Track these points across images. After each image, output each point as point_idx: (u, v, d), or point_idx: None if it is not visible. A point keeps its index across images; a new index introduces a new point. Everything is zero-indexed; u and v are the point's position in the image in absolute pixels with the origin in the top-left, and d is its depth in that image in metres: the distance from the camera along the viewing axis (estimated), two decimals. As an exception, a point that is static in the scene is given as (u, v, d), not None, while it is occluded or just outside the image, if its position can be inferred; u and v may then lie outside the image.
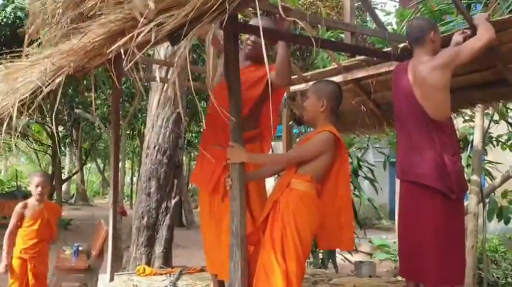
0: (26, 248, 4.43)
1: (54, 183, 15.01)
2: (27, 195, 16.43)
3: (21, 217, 4.41)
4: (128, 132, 13.71)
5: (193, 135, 18.71)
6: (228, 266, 2.51)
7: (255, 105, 3.01)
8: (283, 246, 2.50)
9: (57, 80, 1.87)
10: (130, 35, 1.60)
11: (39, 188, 4.36)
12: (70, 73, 1.84)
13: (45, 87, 1.87)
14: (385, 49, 3.59)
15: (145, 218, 5.26)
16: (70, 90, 10.47)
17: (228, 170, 2.68)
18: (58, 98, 2.14)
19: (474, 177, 4.80)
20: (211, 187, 2.93)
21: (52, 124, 9.80)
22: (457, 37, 3.12)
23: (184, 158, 14.68)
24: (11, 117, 2.16)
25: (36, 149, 19.36)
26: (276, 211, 2.59)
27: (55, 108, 2.19)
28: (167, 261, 5.28)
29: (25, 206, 4.43)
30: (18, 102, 2.00)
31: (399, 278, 4.80)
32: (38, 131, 18.45)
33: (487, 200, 5.25)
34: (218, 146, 2.89)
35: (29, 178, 4.65)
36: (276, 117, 2.96)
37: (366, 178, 6.86)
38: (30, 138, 17.92)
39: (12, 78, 2.24)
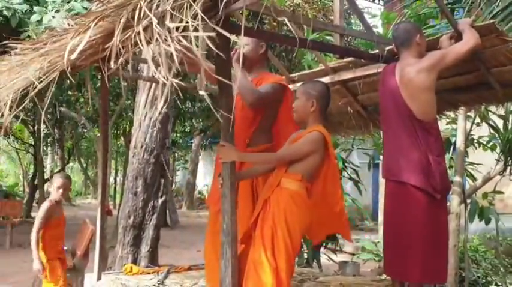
0: (59, 249, 4.59)
1: (36, 182, 14.83)
2: (7, 194, 16.25)
3: (48, 219, 4.43)
4: (113, 131, 13.60)
5: (178, 135, 18.66)
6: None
7: (264, 119, 3.05)
8: (273, 244, 2.53)
9: (52, 77, 1.88)
10: (129, 33, 1.63)
11: (61, 190, 4.40)
12: (67, 71, 1.84)
13: (40, 84, 1.87)
14: (373, 51, 3.65)
15: (132, 218, 5.25)
16: (53, 89, 10.35)
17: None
18: (49, 95, 2.14)
19: (457, 178, 4.90)
20: (217, 208, 2.96)
21: (36, 123, 9.70)
22: (445, 40, 3.21)
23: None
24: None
25: (17, 148, 19.06)
26: (267, 210, 2.63)
27: (45, 106, 2.18)
28: (153, 260, 5.28)
29: (51, 208, 4.44)
30: (12, 100, 2.01)
31: (383, 276, 4.88)
32: (20, 130, 18.20)
33: (469, 201, 5.36)
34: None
35: (53, 179, 4.65)
36: (291, 125, 3.00)
37: (350, 178, 6.94)
38: (11, 136, 17.65)
39: (6, 76, 2.24)
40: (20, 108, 2.13)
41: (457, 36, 3.13)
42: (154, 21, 1.70)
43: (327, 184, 2.78)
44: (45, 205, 4.44)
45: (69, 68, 1.94)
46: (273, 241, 2.53)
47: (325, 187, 2.78)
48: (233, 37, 2.79)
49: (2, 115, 2.14)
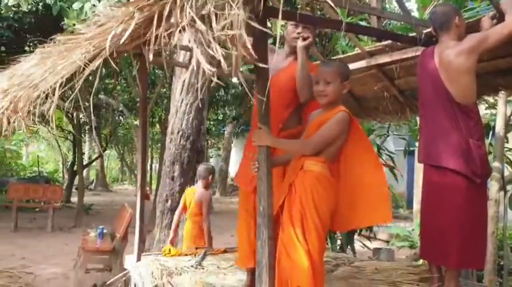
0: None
1: (75, 169, 15.29)
2: (48, 180, 16.83)
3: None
4: (149, 119, 13.86)
5: (211, 123, 18.83)
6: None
7: (299, 105, 3.05)
8: (303, 227, 2.55)
9: (98, 62, 1.95)
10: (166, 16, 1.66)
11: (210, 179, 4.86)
12: (110, 55, 1.90)
13: (88, 68, 1.94)
14: (411, 34, 3.60)
15: (169, 202, 5.37)
16: (90, 77, 10.61)
17: None
18: (96, 82, 2.22)
19: (496, 164, 4.79)
20: (251, 189, 3.00)
21: (74, 110, 9.97)
22: (486, 21, 3.12)
23: (203, 145, 14.78)
24: (43, 102, 2.24)
25: (57, 135, 19.65)
26: (293, 194, 2.64)
27: (75, 96, 2.23)
28: (190, 244, 5.38)
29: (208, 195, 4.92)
30: (59, 85, 2.08)
31: (419, 262, 4.85)
32: (59, 117, 18.73)
33: (508, 188, 5.24)
34: (253, 153, 2.96)
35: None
36: (316, 106, 2.97)
37: (386, 165, 6.87)
38: (51, 124, 18.18)
39: (51, 60, 2.33)
40: (72, 96, 2.19)
41: (499, 17, 3.04)
42: (199, 23, 1.73)
43: (354, 164, 2.72)
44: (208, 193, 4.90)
45: (114, 53, 2.01)
46: (303, 223, 2.54)
47: (352, 167, 2.74)
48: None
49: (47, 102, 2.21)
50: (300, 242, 2.53)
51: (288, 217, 2.62)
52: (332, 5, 2.14)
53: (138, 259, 4.01)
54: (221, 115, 18.48)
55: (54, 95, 2.14)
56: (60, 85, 2.04)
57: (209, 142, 23.47)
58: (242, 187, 3.20)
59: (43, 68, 2.37)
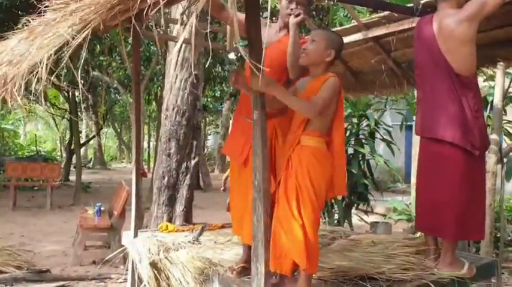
0: None
1: (73, 147, 15.27)
2: (46, 159, 16.82)
3: None
4: (144, 96, 13.77)
5: (209, 100, 18.74)
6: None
7: (287, 80, 2.99)
8: (298, 202, 2.53)
9: (84, 35, 1.89)
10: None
11: None
12: (97, 29, 1.85)
13: (74, 42, 1.89)
14: (408, 5, 3.53)
15: (166, 178, 5.35)
16: (86, 54, 10.51)
17: None
18: (83, 55, 2.16)
19: (493, 136, 4.77)
20: (242, 160, 2.97)
21: (70, 88, 9.89)
22: None
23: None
24: (30, 79, 2.19)
25: (53, 114, 19.58)
26: (289, 169, 2.62)
27: (68, 73, 2.19)
28: (188, 219, 5.40)
29: None
30: (47, 60, 2.03)
31: (416, 235, 4.88)
32: (55, 96, 18.64)
33: (506, 160, 5.23)
34: (248, 119, 2.92)
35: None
36: None
37: (383, 140, 6.86)
38: (47, 103, 18.11)
39: (38, 35, 2.27)
40: (59, 69, 2.14)
41: None
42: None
43: (337, 133, 2.70)
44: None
45: (101, 26, 1.95)
46: (298, 198, 2.53)
47: (333, 137, 2.71)
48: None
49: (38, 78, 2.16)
50: (294, 216, 2.52)
51: (284, 192, 2.60)
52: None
53: (135, 235, 4.02)
54: (218, 92, 18.37)
55: (42, 69, 2.09)
56: (48, 59, 1.99)
57: (207, 119, 23.39)
58: (233, 158, 3.15)
59: (30, 43, 2.32)
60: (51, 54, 1.94)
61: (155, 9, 1.72)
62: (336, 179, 2.68)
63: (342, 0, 2.81)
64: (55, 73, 2.16)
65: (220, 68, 15.32)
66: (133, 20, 1.90)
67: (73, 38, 1.92)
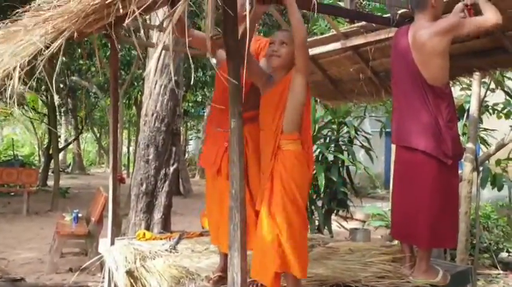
0: None
1: (51, 152, 15.03)
2: (24, 163, 16.52)
3: None
4: (125, 101, 13.64)
5: (190, 104, 18.66)
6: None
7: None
8: (285, 208, 2.54)
9: (58, 43, 1.87)
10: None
11: None
12: (72, 37, 1.83)
13: (48, 51, 1.86)
14: (385, 15, 3.57)
15: (144, 185, 5.31)
16: (65, 58, 10.39)
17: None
18: (58, 63, 2.14)
19: (469, 145, 4.85)
20: (215, 169, 2.98)
21: (48, 92, 9.75)
22: (458, 7, 3.10)
23: (181, 127, 14.67)
24: (7, 84, 2.15)
25: (31, 118, 19.26)
26: (274, 177, 2.62)
27: (46, 77, 2.16)
28: (166, 227, 5.36)
29: None
30: (20, 67, 2.00)
31: (394, 242, 4.92)
32: (33, 100, 18.34)
33: (481, 168, 5.32)
34: (220, 128, 2.93)
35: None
36: None
37: (362, 146, 6.92)
38: (25, 107, 17.83)
39: (11, 42, 2.23)
40: (34, 77, 2.12)
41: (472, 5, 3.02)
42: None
43: (309, 132, 2.75)
44: None
45: (75, 34, 1.93)
46: (285, 205, 2.54)
47: (309, 138, 2.76)
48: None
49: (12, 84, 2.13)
50: (282, 223, 2.53)
51: (269, 199, 2.59)
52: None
53: (112, 243, 3.97)
54: (200, 97, 18.31)
55: (15, 77, 2.06)
56: (21, 66, 1.95)
57: (188, 124, 23.28)
58: (207, 168, 3.15)
59: (3, 49, 2.28)
60: (23, 62, 1.91)
61: (130, 18, 1.70)
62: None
63: (320, 11, 2.81)
64: (32, 79, 2.13)
65: (201, 73, 15.28)
66: (108, 28, 1.88)
67: (47, 47, 1.89)
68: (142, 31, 5.84)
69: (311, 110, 2.80)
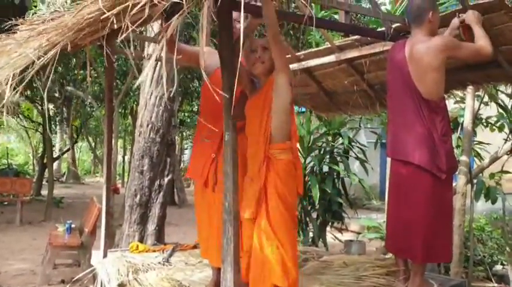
0: None
1: (45, 161, 14.95)
2: (18, 172, 16.43)
3: None
4: (120, 110, 13.63)
5: (186, 114, 18.66)
6: (220, 253, 2.56)
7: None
8: (278, 220, 2.55)
9: (51, 54, 1.86)
10: (123, 6, 1.60)
11: None
12: (66, 48, 1.83)
13: (39, 62, 1.86)
14: (379, 29, 3.59)
15: (138, 196, 5.28)
16: (60, 68, 10.38)
17: (216, 163, 2.74)
18: (50, 73, 2.13)
19: (463, 158, 4.86)
20: (202, 181, 2.99)
21: (43, 102, 9.71)
22: (455, 22, 3.13)
23: (176, 137, 14.65)
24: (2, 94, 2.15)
25: (26, 127, 19.19)
26: (267, 188, 2.62)
27: (48, 83, 2.17)
28: (160, 238, 5.33)
29: None
30: (12, 78, 2.00)
31: (388, 255, 4.90)
32: (28, 109, 18.29)
33: (475, 181, 5.33)
34: (207, 139, 2.94)
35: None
36: None
37: (357, 158, 6.92)
38: (20, 116, 17.77)
39: (5, 54, 2.23)
40: (20, 87, 2.11)
41: (465, 25, 3.05)
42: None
43: (295, 139, 2.76)
44: None
45: (69, 47, 1.93)
46: (280, 216, 2.55)
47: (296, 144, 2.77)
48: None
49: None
50: (276, 236, 2.53)
51: (266, 212, 2.59)
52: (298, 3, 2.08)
53: (105, 255, 3.94)
54: (196, 106, 18.31)
55: (7, 88, 2.06)
56: (13, 79, 1.95)
57: (184, 134, 23.25)
58: (195, 179, 3.15)
59: (-1, 60, 2.27)
60: (15, 74, 1.90)
61: (124, 35, 1.70)
62: (299, 187, 2.72)
63: (316, 25, 2.83)
64: (20, 88, 2.12)
65: (197, 83, 15.31)
66: (101, 41, 1.89)
67: (39, 59, 1.89)
68: (137, 42, 5.85)
69: (294, 118, 2.80)
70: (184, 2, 1.63)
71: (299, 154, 6.69)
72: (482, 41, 2.92)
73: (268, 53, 2.67)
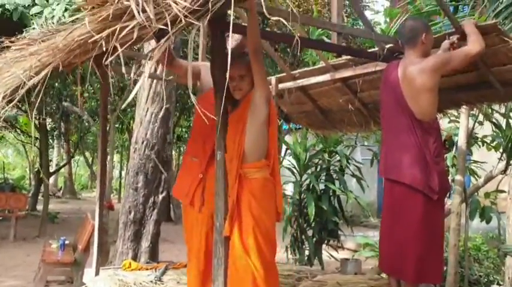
0: None
1: (41, 176, 14.90)
2: (14, 187, 16.36)
3: None
4: (117, 126, 13.63)
5: (183, 130, 18.69)
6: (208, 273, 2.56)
7: None
8: (256, 238, 2.54)
9: (42, 75, 1.88)
10: (112, 29, 1.62)
11: None
12: (58, 69, 1.85)
13: (31, 81, 1.87)
14: (372, 49, 3.63)
15: (133, 213, 5.25)
16: (57, 84, 10.42)
17: (203, 183, 2.74)
18: (41, 92, 2.14)
19: (458, 177, 4.86)
20: (188, 200, 2.97)
21: (39, 117, 9.73)
22: (445, 44, 3.17)
23: (173, 153, 14.64)
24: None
25: (23, 142, 19.17)
26: (240, 205, 2.59)
27: (38, 102, 2.18)
28: (154, 256, 5.28)
29: None
30: (3, 97, 2.01)
31: (383, 275, 4.87)
32: (26, 123, 18.29)
33: (470, 200, 5.33)
34: (195, 158, 2.93)
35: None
36: None
37: (354, 175, 6.92)
38: (17, 130, 17.75)
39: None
40: (13, 103, 2.12)
41: (460, 36, 3.09)
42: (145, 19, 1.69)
43: (275, 156, 2.72)
44: None
45: (60, 67, 1.94)
46: (256, 234, 2.54)
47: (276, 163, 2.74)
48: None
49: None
50: (257, 260, 2.51)
51: (239, 230, 2.56)
52: (284, 21, 2.11)
53: (97, 273, 3.91)
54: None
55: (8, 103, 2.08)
56: (4, 98, 1.96)
57: (181, 149, 23.26)
58: (181, 199, 3.12)
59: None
60: (5, 95, 1.92)
61: (114, 55, 1.71)
62: (279, 206, 2.70)
63: (307, 45, 2.86)
64: (14, 102, 2.13)
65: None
66: (92, 62, 1.90)
67: (30, 79, 1.90)
68: (132, 59, 5.89)
69: (276, 133, 2.77)
70: (169, 29, 1.64)
71: (295, 171, 6.76)
72: (471, 43, 2.93)
73: (246, 80, 2.69)
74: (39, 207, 14.62)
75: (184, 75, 3.12)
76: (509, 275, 1.69)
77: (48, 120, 15.56)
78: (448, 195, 4.75)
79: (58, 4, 4.60)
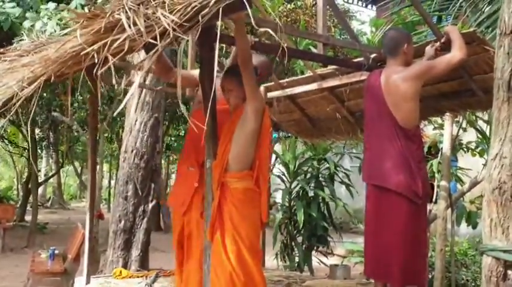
0: None
1: (30, 186, 14.79)
2: (1, 198, 16.20)
3: None
4: (106, 135, 13.60)
5: (172, 139, 18.67)
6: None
7: None
8: (239, 248, 2.55)
9: (35, 85, 1.92)
10: (103, 41, 1.67)
11: None
12: (50, 79, 1.89)
13: (22, 93, 1.91)
14: (357, 59, 3.71)
15: (123, 222, 5.28)
16: (46, 94, 10.40)
17: (200, 193, 2.77)
18: (34, 103, 2.18)
19: (443, 183, 4.94)
20: (183, 210, 2.98)
21: (28, 127, 9.68)
22: (429, 50, 3.26)
23: (163, 161, 14.61)
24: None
25: (11, 152, 19.02)
26: (223, 214, 2.60)
27: (32, 113, 2.22)
28: (144, 264, 5.30)
29: None
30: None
31: (371, 280, 4.93)
32: (14, 134, 18.16)
33: (456, 205, 5.41)
34: (191, 167, 2.97)
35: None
36: None
37: (342, 182, 7.00)
38: (5, 140, 17.61)
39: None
40: (8, 113, 2.15)
41: (443, 44, 3.17)
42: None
43: (265, 168, 2.73)
44: None
45: (52, 78, 1.99)
46: (238, 245, 2.55)
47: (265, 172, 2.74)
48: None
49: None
50: (239, 270, 2.53)
51: (222, 241, 2.57)
52: (272, 32, 2.17)
53: (88, 282, 3.92)
54: (183, 131, 18.34)
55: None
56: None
57: (171, 158, 23.20)
58: (175, 208, 3.12)
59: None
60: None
61: (105, 67, 1.77)
62: (263, 215, 2.71)
63: (292, 55, 2.94)
64: (7, 113, 2.16)
65: (185, 107, 15.37)
66: (84, 73, 1.95)
67: (22, 90, 1.94)
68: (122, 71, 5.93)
69: (268, 145, 2.78)
70: (158, 43, 1.70)
71: (285, 178, 6.82)
72: (454, 49, 3.00)
73: (233, 93, 2.73)
74: (28, 218, 14.48)
75: (185, 85, 3.17)
76: (485, 273, 1.74)
77: (37, 130, 15.47)
78: (432, 200, 4.85)
79: (49, 18, 4.65)
